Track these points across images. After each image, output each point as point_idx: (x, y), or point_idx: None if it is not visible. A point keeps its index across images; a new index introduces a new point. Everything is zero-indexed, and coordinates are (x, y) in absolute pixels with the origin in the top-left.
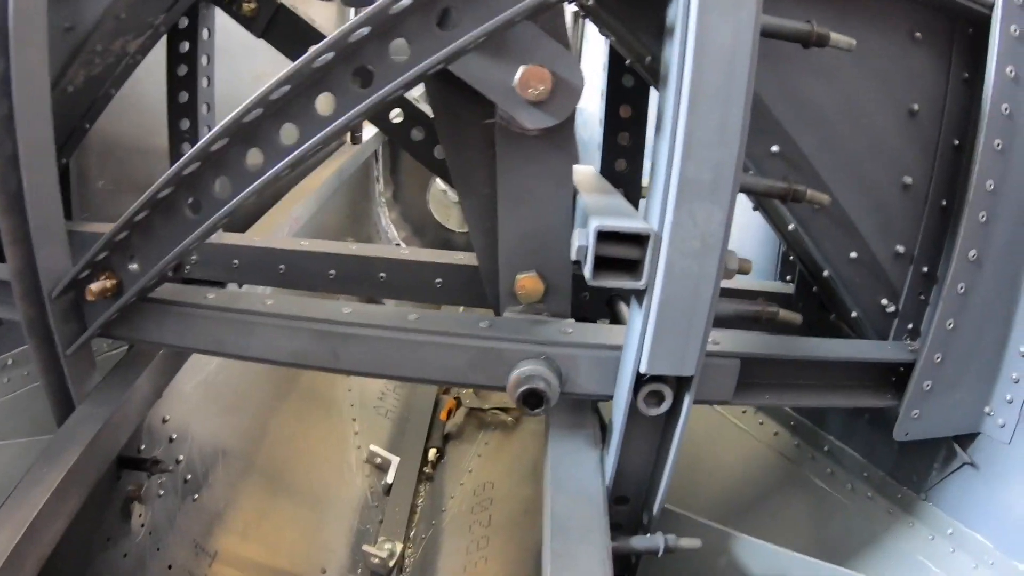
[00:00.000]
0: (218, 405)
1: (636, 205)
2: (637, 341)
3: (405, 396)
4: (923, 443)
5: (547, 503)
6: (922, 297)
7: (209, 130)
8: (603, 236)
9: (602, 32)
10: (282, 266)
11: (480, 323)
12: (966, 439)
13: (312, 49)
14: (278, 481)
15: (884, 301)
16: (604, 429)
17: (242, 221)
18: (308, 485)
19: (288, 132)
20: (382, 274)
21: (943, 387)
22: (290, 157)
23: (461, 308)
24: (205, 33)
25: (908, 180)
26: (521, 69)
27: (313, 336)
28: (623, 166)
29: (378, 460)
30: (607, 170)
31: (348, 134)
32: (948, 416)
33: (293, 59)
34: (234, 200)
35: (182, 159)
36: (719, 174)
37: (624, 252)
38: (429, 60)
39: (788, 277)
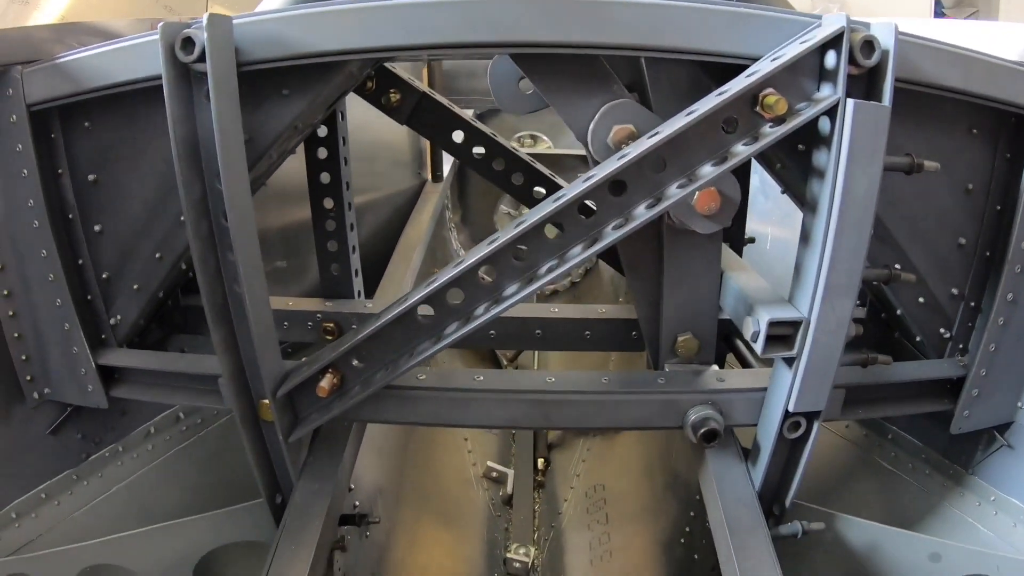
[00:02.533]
0: (371, 449)
1: (740, 254)
2: (786, 389)
3: None
4: (969, 431)
5: (714, 507)
6: (970, 324)
7: (350, 208)
8: (772, 324)
9: None
10: None
11: (658, 380)
12: (1004, 427)
13: (556, 201)
14: (420, 507)
15: (942, 330)
16: (740, 446)
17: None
18: (443, 506)
19: (516, 253)
20: (538, 331)
21: (987, 393)
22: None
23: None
24: (340, 116)
25: (963, 241)
26: (698, 192)
27: (525, 405)
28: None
29: (494, 474)
30: None
31: (430, 173)
32: (991, 412)
33: (434, 141)
34: (476, 320)
35: (433, 286)
36: (851, 277)
37: (783, 331)
38: (648, 203)
39: (858, 302)
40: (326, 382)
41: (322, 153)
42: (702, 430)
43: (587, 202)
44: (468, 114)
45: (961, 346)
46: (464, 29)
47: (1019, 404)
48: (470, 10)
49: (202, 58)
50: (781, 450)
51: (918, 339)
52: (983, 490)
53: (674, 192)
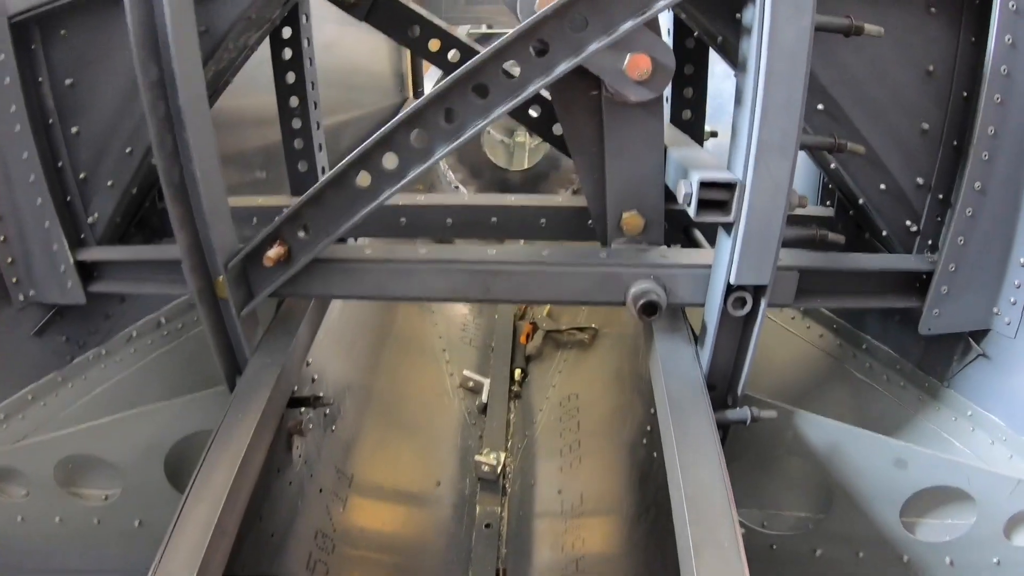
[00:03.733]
0: (341, 348)
1: (701, 145)
2: (727, 260)
3: (485, 325)
4: (944, 339)
5: (659, 389)
6: (939, 218)
7: (316, 106)
8: (703, 185)
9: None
10: (403, 219)
11: (600, 254)
12: (979, 335)
13: (489, 49)
14: (392, 409)
15: (908, 222)
16: (693, 333)
17: None
18: (415, 411)
19: (448, 115)
20: (494, 219)
21: (957, 290)
22: (455, 140)
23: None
24: (304, 19)
25: (925, 126)
26: (628, 56)
27: (466, 275)
28: (688, 115)
29: (471, 383)
30: (676, 119)
31: (411, 90)
32: (963, 314)
33: (395, 39)
34: (406, 178)
35: (363, 146)
36: (786, 136)
37: (718, 195)
38: (567, 59)
39: (828, 202)
40: (273, 252)
41: (287, 53)
42: (641, 301)
43: (512, 61)
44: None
45: (930, 242)
46: None
47: (995, 310)
48: None
49: None
50: (728, 329)
51: (884, 234)
52: (959, 404)
53: (594, 48)
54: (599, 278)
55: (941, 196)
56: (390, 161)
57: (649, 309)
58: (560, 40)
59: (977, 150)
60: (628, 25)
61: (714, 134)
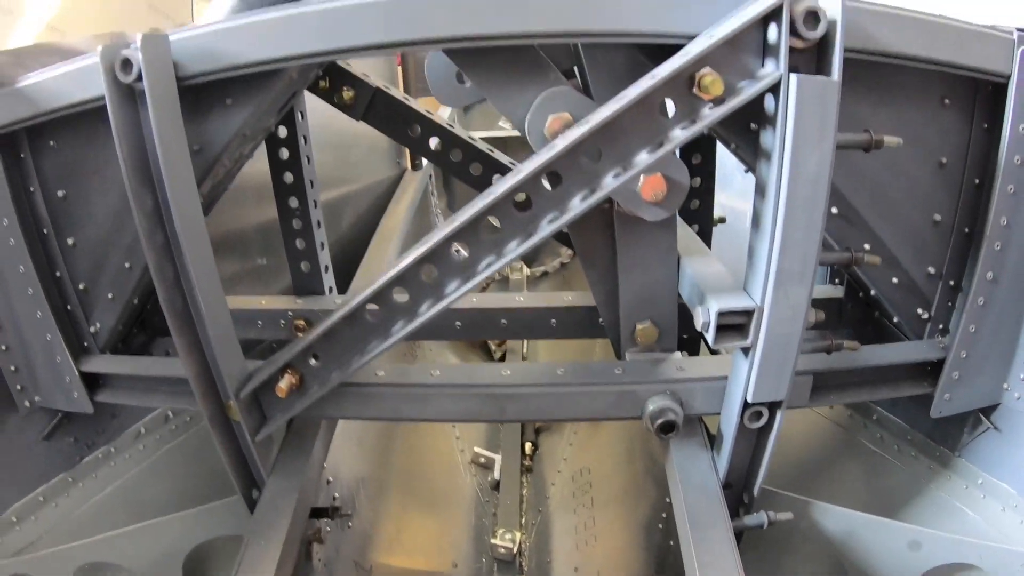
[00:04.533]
0: (352, 443)
1: (709, 236)
2: (744, 379)
3: None
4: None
5: (676, 496)
6: (950, 304)
7: (316, 205)
8: (722, 313)
9: None
10: None
11: (615, 370)
12: (989, 409)
13: (488, 196)
14: (405, 493)
15: (919, 310)
16: (708, 434)
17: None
18: (430, 492)
19: (456, 250)
20: (503, 320)
21: (969, 376)
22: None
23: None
24: (299, 116)
25: (938, 217)
26: (643, 178)
27: (480, 399)
28: (696, 205)
29: (482, 460)
30: (684, 209)
31: (409, 161)
32: (973, 395)
33: (394, 138)
34: (421, 316)
35: (376, 285)
36: (806, 262)
37: (735, 320)
38: (584, 194)
39: (837, 280)
40: (284, 382)
41: (283, 154)
42: (659, 421)
43: (525, 195)
44: (442, 113)
45: (941, 326)
46: (384, 29)
47: (1004, 386)
48: (390, 10)
49: (141, 77)
50: (745, 439)
51: (895, 320)
52: (970, 473)
53: (609, 182)
54: (615, 396)
55: (952, 283)
56: (401, 296)
57: (667, 428)
58: (574, 172)
59: (990, 241)
60: (644, 157)
61: (722, 220)
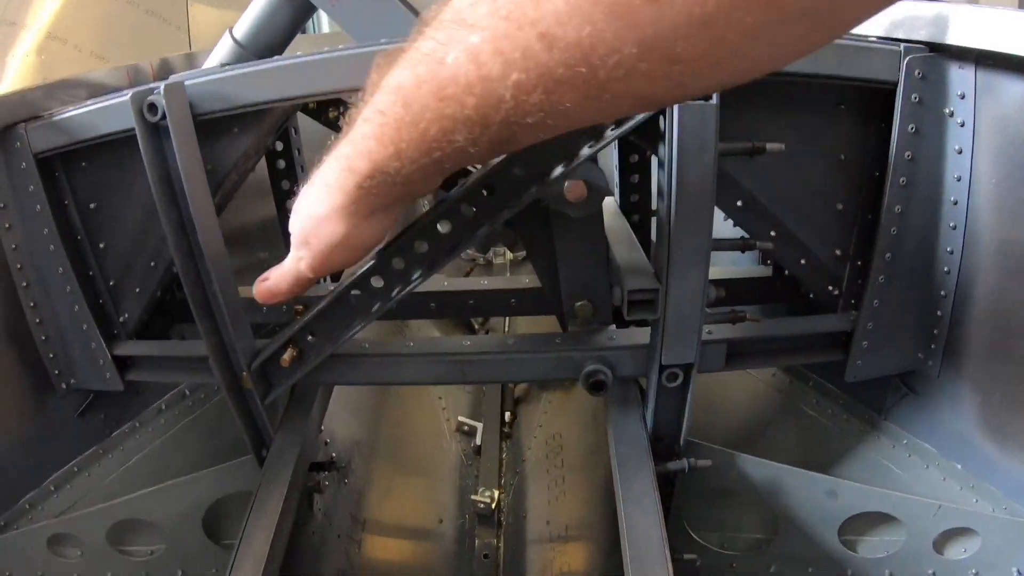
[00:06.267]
0: (347, 409)
1: (648, 224)
2: (658, 346)
3: None
4: (879, 378)
5: (611, 447)
6: (859, 281)
7: None
8: (631, 291)
9: None
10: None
11: (556, 339)
12: (908, 375)
13: (440, 203)
14: (396, 457)
15: (831, 287)
16: (643, 393)
17: None
18: (418, 457)
19: (418, 245)
20: (471, 301)
21: (877, 344)
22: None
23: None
24: (293, 132)
25: (840, 206)
26: (567, 183)
27: (445, 364)
28: (636, 198)
29: (466, 427)
30: (624, 201)
31: None
32: (883, 362)
33: None
34: (392, 294)
35: (358, 273)
36: (698, 251)
37: (645, 296)
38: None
39: (768, 262)
40: (287, 355)
41: (280, 164)
42: (591, 380)
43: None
44: None
45: (853, 301)
46: (358, 76)
47: (918, 355)
48: (362, 60)
49: (164, 117)
50: (666, 396)
51: (811, 296)
52: (896, 434)
53: (532, 190)
54: (556, 361)
55: (860, 263)
56: (377, 282)
57: (597, 387)
58: (505, 184)
59: (885, 227)
60: (559, 170)
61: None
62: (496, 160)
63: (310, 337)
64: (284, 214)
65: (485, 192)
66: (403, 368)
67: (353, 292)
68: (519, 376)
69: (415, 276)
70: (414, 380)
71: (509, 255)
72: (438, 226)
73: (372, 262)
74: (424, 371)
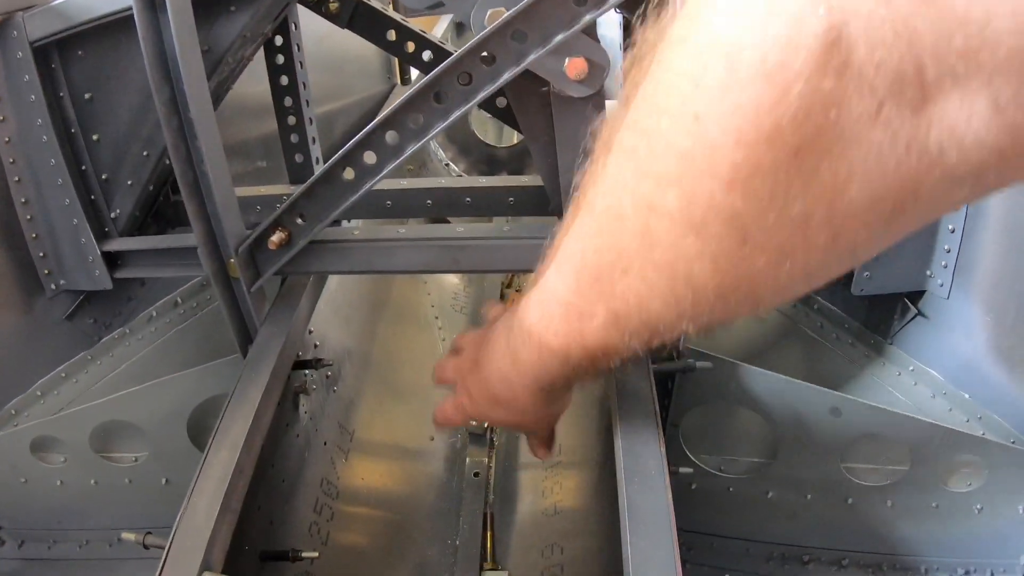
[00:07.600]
0: (340, 316)
1: None
2: None
3: (475, 294)
4: (886, 299)
5: None
6: None
7: (308, 104)
8: None
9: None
10: (389, 202)
11: (552, 228)
12: (916, 295)
13: (436, 71)
14: (388, 373)
15: None
16: None
17: None
18: (411, 374)
19: (414, 119)
20: (468, 199)
21: (887, 256)
22: (423, 138)
23: None
24: (293, 26)
25: None
26: (567, 60)
27: (438, 250)
28: None
29: None
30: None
31: (399, 76)
32: (894, 277)
33: (375, 43)
34: (382, 171)
35: (347, 146)
36: None
37: None
38: (511, 68)
39: None
40: (275, 237)
41: (279, 59)
42: None
43: (467, 72)
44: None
45: None
46: None
47: (928, 273)
48: None
49: None
50: None
51: None
52: (902, 360)
53: (532, 58)
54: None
55: None
56: (370, 158)
57: None
58: (504, 52)
59: None
60: (560, 36)
61: None
62: (494, 25)
63: (299, 220)
64: (283, 111)
65: (483, 63)
66: (395, 255)
67: (344, 169)
68: (515, 265)
69: (408, 148)
70: (406, 267)
71: None
72: (431, 98)
73: (362, 135)
74: (416, 257)
